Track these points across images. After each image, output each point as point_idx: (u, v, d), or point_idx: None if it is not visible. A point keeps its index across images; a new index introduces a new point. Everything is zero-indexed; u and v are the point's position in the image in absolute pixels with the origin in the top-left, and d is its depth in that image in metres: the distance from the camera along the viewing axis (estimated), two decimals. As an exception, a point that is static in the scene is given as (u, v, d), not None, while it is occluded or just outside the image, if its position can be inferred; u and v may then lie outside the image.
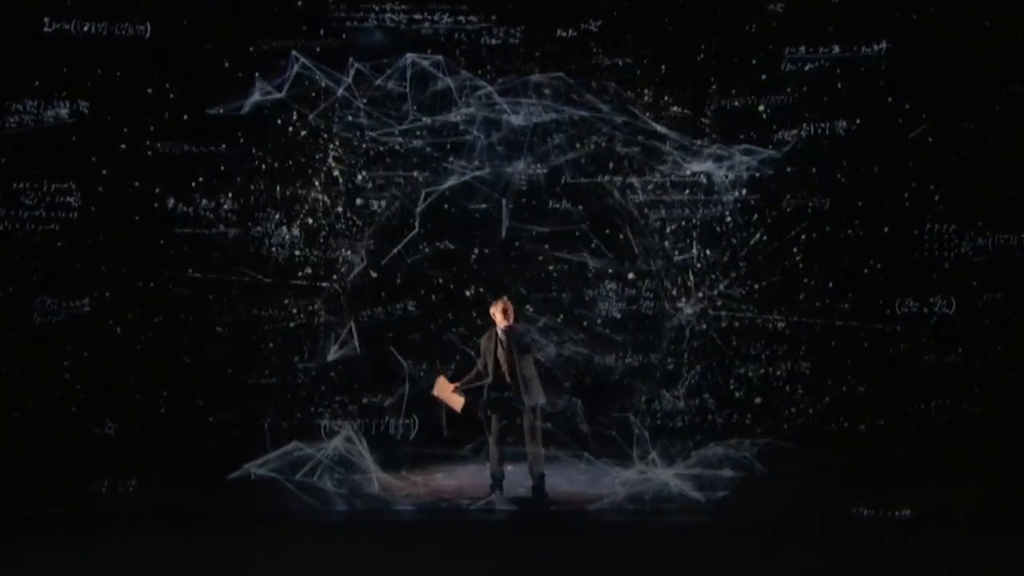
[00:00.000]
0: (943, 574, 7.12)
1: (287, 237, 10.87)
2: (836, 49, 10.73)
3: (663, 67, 10.86)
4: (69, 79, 10.65)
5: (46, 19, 10.56)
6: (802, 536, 7.95)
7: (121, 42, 10.66)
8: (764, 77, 10.83)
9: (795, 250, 10.92)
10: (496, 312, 9.14)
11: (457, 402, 9.10)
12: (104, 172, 10.76)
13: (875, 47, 10.69)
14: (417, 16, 10.81)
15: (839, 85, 10.76)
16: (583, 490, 9.18)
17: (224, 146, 10.78)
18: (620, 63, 10.78)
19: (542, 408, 9.08)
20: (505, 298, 9.32)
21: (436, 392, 9.17)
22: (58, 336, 10.58)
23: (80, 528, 8.13)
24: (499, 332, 9.10)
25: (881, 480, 9.22)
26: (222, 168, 10.81)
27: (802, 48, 10.74)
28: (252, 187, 10.89)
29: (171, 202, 10.80)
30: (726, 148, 10.66)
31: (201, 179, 10.83)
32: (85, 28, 10.60)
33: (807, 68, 10.74)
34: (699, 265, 10.85)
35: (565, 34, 10.85)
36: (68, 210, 10.60)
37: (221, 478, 9.24)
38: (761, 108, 10.84)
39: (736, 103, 10.84)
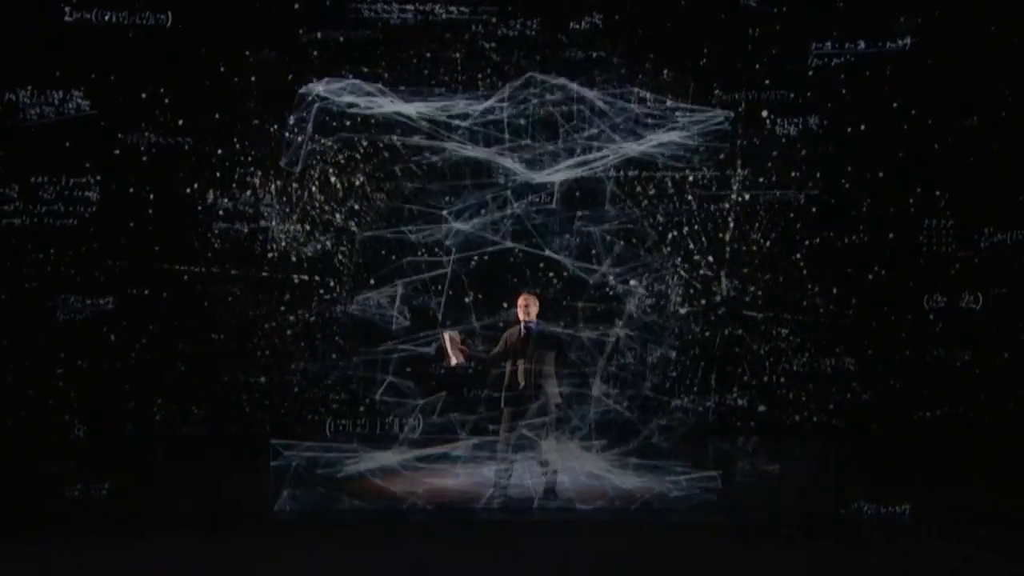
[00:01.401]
0: (943, 574, 7.10)
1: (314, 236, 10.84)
2: (862, 45, 10.68)
3: (665, 71, 10.78)
4: (89, 70, 10.55)
5: (67, 8, 10.41)
6: (802, 535, 7.93)
7: (142, 32, 10.52)
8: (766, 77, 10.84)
9: (800, 248, 10.94)
10: (520, 307, 9.08)
11: (450, 356, 8.97)
12: (123, 165, 10.71)
13: (899, 42, 10.64)
14: (424, 8, 10.70)
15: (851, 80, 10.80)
16: (585, 489, 9.06)
17: (246, 141, 10.74)
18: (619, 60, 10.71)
19: (558, 407, 9.00)
20: (528, 293, 9.26)
21: (446, 336, 9.03)
22: (79, 333, 10.55)
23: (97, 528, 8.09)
24: (521, 327, 9.04)
25: (882, 479, 9.22)
26: (246, 162, 10.76)
27: (828, 44, 10.69)
28: (277, 183, 10.80)
29: (191, 197, 10.75)
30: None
31: (223, 174, 10.76)
32: (106, 17, 10.45)
33: (833, 63, 10.71)
34: (706, 263, 10.83)
35: (577, 27, 10.79)
36: (87, 204, 10.51)
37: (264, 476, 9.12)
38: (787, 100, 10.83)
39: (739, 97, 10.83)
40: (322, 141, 10.49)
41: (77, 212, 10.52)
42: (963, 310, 10.69)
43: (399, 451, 9.47)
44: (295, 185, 10.74)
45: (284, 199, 10.77)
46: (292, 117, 10.34)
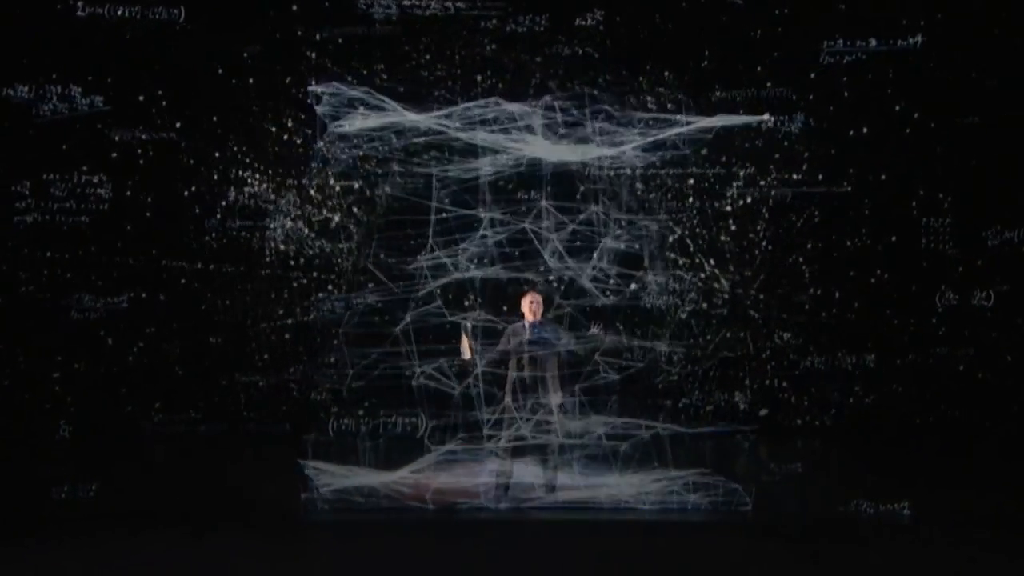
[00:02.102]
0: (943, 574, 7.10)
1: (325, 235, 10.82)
2: (873, 43, 10.63)
3: (665, 73, 10.76)
4: (101, 65, 10.59)
5: (79, 3, 10.43)
6: (803, 535, 7.92)
7: (154, 27, 10.53)
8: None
9: (807, 248, 10.96)
10: (524, 305, 9.06)
11: (466, 350, 8.98)
12: (136, 162, 10.77)
13: (910, 40, 10.58)
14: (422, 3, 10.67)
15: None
16: (587, 488, 8.96)
17: (262, 137, 10.77)
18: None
19: (560, 406, 8.89)
20: (534, 291, 9.19)
21: (464, 334, 9.08)
22: (95, 331, 10.67)
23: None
24: (526, 326, 9.03)
25: (882, 479, 9.17)
26: (260, 160, 10.77)
27: (840, 41, 10.65)
28: (294, 180, 10.80)
29: (205, 194, 10.82)
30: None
31: (239, 171, 10.80)
32: (119, 12, 10.47)
33: (845, 60, 10.65)
34: (709, 264, 10.80)
35: (584, 22, 10.75)
36: (99, 201, 10.56)
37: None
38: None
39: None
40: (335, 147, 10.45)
41: (89, 209, 10.57)
42: (975, 308, 10.69)
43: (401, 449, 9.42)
44: (314, 185, 10.74)
45: (307, 197, 10.79)
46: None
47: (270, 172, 10.83)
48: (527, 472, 9.04)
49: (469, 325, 9.06)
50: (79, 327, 10.62)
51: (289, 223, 10.78)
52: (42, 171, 10.52)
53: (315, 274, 10.85)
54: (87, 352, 10.71)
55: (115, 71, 10.67)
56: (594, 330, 9.28)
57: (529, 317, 9.02)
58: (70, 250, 10.64)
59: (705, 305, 10.78)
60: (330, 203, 10.79)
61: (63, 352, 10.69)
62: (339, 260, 10.80)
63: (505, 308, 10.13)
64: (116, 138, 10.70)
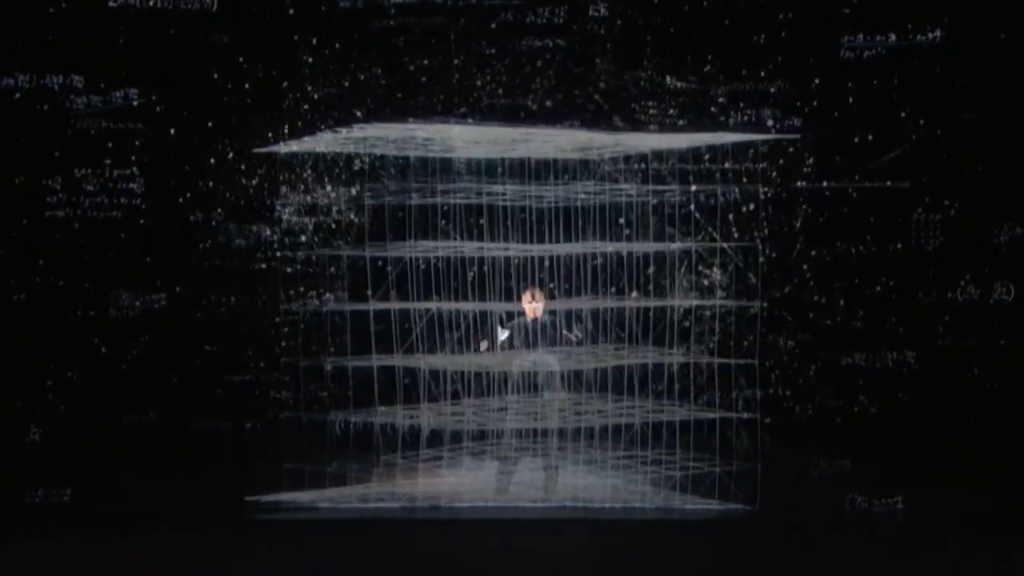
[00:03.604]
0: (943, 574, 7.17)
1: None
2: (892, 38, 10.59)
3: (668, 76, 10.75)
4: (133, 57, 10.50)
5: (110, -7, 10.36)
6: (802, 533, 8.04)
7: (186, 17, 10.47)
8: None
9: (814, 247, 10.97)
10: (525, 301, 9.06)
11: (490, 348, 9.07)
12: (168, 158, 10.71)
13: (929, 35, 10.54)
14: None
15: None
16: (587, 488, 8.98)
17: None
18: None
19: (560, 402, 8.88)
20: (535, 287, 9.15)
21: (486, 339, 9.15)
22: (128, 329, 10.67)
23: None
24: (527, 321, 9.06)
25: (882, 477, 9.18)
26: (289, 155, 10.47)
27: (860, 36, 10.66)
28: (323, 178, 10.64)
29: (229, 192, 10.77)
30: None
31: (270, 168, 10.68)
32: (150, 3, 10.40)
33: (865, 55, 10.61)
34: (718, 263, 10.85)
35: (596, 13, 10.66)
36: (131, 196, 10.55)
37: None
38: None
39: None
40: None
41: (121, 205, 10.56)
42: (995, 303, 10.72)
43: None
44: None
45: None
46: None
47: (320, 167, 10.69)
48: (527, 470, 9.09)
49: (503, 333, 9.09)
50: (76, 327, 10.69)
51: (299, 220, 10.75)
52: (74, 166, 10.53)
53: (310, 270, 10.77)
54: (86, 352, 10.72)
55: (146, 63, 10.58)
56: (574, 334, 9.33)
57: (530, 315, 9.06)
58: (102, 246, 10.68)
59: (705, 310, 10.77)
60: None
61: (62, 351, 10.71)
62: (341, 260, 10.59)
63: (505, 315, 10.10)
64: (149, 132, 10.70)
